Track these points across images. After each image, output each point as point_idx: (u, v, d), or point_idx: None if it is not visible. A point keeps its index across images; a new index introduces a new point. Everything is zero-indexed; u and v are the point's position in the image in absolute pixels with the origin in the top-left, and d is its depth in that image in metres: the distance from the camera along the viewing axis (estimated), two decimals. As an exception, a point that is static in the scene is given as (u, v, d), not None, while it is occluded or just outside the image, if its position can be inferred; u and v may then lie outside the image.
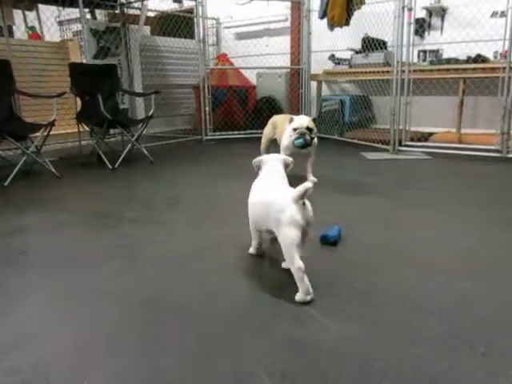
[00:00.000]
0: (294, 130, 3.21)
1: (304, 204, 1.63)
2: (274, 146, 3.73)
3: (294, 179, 3.70)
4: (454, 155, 4.60)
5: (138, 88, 6.80)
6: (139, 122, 4.77)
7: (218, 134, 6.20)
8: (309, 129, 3.22)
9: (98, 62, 5.89)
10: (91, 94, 4.18)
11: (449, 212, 2.73)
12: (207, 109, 5.96)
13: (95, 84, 4.41)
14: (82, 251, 2.20)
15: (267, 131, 3.81)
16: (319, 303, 1.60)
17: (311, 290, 1.60)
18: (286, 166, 2.01)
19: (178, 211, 2.85)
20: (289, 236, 1.59)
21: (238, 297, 1.68)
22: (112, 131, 5.45)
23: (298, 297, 1.60)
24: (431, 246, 2.18)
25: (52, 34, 7.64)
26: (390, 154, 4.82)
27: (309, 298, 1.60)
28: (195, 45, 6.15)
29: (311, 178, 3.55)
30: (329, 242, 2.12)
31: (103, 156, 4.22)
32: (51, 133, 4.11)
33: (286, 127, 3.34)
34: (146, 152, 4.52)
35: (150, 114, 4.50)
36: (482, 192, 3.19)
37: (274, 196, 1.72)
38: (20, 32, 8.05)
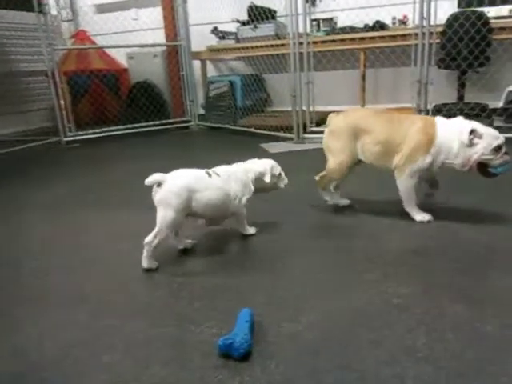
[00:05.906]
0: (497, 149, 1.95)
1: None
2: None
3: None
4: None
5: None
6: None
7: (82, 133, 4.91)
8: None
9: None
10: None
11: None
12: (62, 102, 4.62)
13: None
14: None
15: (344, 148, 2.10)
16: None
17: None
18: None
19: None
20: None
21: None
22: None
23: None
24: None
25: None
26: (294, 144, 4.04)
27: None
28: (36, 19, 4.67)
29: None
30: (234, 353, 1.15)
31: None
32: None
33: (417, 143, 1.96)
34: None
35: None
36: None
37: None
38: None
